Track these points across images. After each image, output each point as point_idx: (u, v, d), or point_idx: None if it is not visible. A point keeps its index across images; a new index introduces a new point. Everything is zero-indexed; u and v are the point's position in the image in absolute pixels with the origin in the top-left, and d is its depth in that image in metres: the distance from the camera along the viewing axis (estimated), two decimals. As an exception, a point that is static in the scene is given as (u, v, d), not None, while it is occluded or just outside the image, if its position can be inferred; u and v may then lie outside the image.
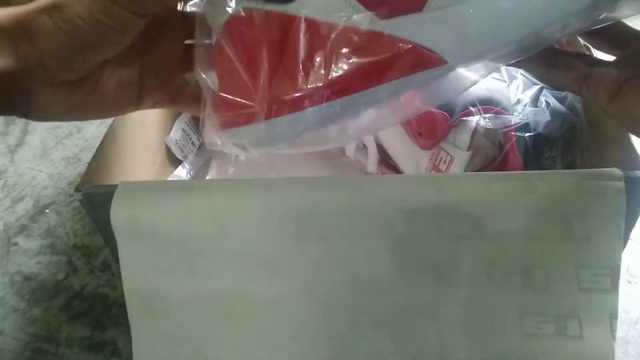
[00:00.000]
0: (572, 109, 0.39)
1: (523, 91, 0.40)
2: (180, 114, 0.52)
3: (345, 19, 0.26)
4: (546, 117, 0.38)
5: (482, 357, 0.31)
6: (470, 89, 0.38)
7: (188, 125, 0.53)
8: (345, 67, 0.26)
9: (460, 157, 0.38)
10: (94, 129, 0.66)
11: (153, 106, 0.32)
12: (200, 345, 0.33)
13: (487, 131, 0.38)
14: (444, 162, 0.39)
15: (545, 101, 0.39)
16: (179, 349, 0.33)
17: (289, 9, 0.26)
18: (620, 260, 0.28)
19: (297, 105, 0.27)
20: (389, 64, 0.26)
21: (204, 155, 0.54)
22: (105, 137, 0.38)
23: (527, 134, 0.37)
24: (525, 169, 0.38)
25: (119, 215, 0.31)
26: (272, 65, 0.27)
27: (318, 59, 0.26)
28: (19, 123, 0.68)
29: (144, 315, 0.33)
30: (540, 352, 0.30)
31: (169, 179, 0.50)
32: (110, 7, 0.24)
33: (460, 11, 0.25)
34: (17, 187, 0.58)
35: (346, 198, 0.29)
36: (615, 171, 0.28)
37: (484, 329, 0.30)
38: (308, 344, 0.32)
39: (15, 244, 0.51)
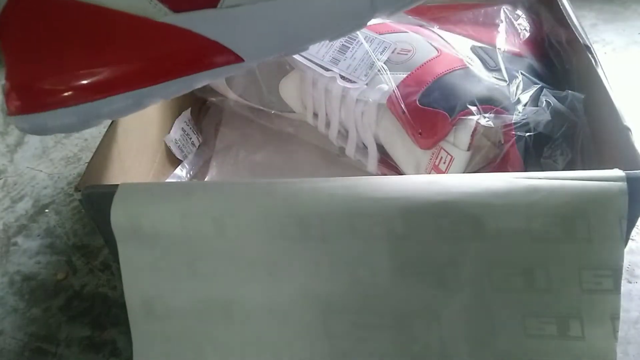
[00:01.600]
0: (572, 109, 0.39)
1: (523, 90, 0.40)
2: (180, 113, 0.52)
3: (137, 10, 0.24)
4: (546, 116, 0.38)
5: (484, 358, 0.31)
6: (471, 88, 0.38)
7: (188, 125, 0.52)
8: (136, 60, 0.25)
9: (460, 156, 0.38)
10: (93, 129, 0.66)
11: None
12: (202, 348, 0.33)
13: (487, 131, 0.38)
14: (444, 162, 0.39)
15: (546, 101, 0.39)
16: (179, 351, 0.33)
17: None
18: (622, 261, 0.28)
19: (84, 97, 0.26)
20: (181, 59, 0.26)
21: (204, 155, 0.53)
22: (104, 137, 0.38)
23: (528, 134, 0.37)
24: (526, 168, 0.38)
25: (119, 217, 0.31)
26: (63, 55, 0.26)
27: (109, 51, 0.25)
28: (18, 122, 0.68)
29: (144, 318, 0.32)
30: (542, 353, 0.30)
31: (168, 178, 0.50)
32: None
33: (254, 10, 0.25)
34: (16, 186, 0.58)
35: (347, 199, 0.29)
36: (617, 172, 0.28)
37: (485, 330, 0.30)
38: (309, 345, 0.32)
39: (15, 243, 0.51)
